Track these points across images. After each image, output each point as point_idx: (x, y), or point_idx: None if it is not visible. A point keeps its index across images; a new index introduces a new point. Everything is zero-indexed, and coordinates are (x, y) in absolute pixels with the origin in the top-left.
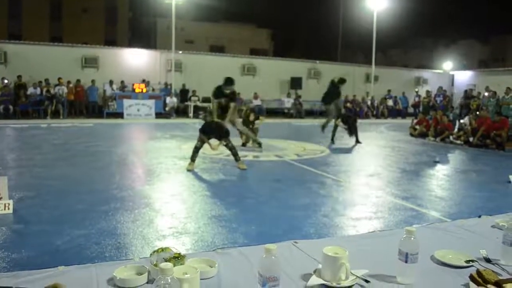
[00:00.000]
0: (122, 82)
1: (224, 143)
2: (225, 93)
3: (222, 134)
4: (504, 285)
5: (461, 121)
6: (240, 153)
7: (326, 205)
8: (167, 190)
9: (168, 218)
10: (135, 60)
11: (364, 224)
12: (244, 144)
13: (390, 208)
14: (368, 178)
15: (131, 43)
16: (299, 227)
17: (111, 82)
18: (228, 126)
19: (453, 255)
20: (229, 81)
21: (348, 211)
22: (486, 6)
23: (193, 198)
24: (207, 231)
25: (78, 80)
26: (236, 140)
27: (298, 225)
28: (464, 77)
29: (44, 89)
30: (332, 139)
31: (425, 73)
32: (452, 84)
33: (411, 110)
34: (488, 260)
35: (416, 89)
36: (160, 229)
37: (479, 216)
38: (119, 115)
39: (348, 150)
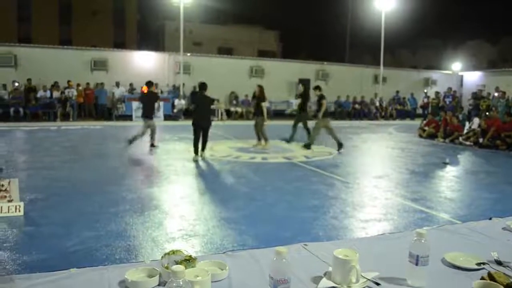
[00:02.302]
0: (131, 84)
1: None
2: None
3: None
4: None
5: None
6: (248, 155)
7: (335, 207)
8: (176, 192)
9: (178, 220)
10: (144, 63)
11: (373, 226)
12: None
13: (399, 210)
14: (377, 179)
15: (139, 46)
16: (308, 229)
17: (117, 84)
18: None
19: (464, 257)
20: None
21: (357, 213)
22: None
23: (202, 200)
24: (216, 233)
25: (88, 83)
26: (249, 143)
27: (307, 227)
28: (473, 78)
29: (54, 92)
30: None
31: (434, 74)
32: (461, 85)
33: (419, 111)
34: (499, 263)
35: (425, 90)
36: (169, 231)
37: (490, 218)
38: (128, 117)
39: (357, 152)
